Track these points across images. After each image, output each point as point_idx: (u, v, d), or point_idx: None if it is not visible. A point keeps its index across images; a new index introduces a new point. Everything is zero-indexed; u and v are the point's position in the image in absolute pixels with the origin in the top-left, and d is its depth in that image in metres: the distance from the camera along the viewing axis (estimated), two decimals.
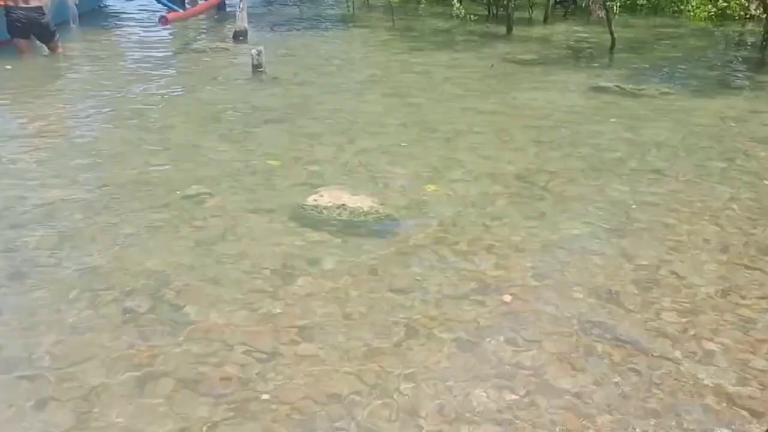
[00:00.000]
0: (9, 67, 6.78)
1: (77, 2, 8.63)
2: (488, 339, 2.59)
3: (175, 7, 8.44)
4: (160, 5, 8.79)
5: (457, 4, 10.26)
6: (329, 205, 3.65)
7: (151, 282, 2.92)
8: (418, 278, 3.04)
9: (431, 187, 4.08)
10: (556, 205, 3.87)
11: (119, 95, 6.04)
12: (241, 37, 8.48)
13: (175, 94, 6.29)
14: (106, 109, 5.58)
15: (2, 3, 6.97)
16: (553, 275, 3.08)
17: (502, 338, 2.60)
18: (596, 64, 8.17)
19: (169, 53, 8.08)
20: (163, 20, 7.67)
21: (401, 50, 8.61)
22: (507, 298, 2.88)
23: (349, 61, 7.99)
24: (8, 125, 5.13)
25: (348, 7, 11.85)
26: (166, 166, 4.27)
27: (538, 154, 4.75)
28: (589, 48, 9.16)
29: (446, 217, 3.67)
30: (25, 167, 4.20)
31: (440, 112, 5.74)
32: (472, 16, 10.16)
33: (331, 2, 13.36)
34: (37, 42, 7.27)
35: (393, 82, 6.82)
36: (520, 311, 2.79)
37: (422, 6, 11.84)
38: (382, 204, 3.74)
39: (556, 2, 12.10)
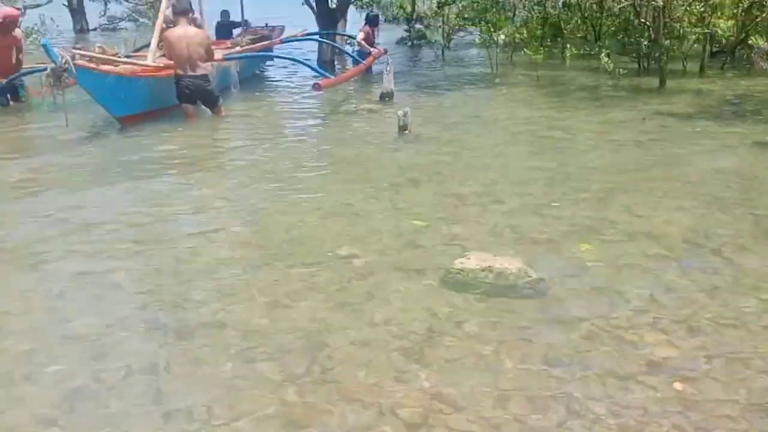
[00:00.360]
0: (180, 129, 7.38)
1: (239, 69, 9.28)
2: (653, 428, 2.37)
3: (327, 74, 8.87)
4: (312, 71, 9.26)
5: (605, 59, 10.01)
6: (475, 267, 3.57)
7: (304, 341, 2.97)
8: (574, 349, 2.87)
9: (584, 246, 3.91)
10: (728, 274, 3.55)
11: (273, 155, 6.38)
12: (387, 98, 8.73)
13: (326, 154, 6.54)
14: (262, 169, 5.89)
15: (173, 72, 7.63)
16: (732, 363, 2.77)
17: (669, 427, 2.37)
18: (761, 118, 7.58)
19: (319, 115, 8.48)
20: (316, 87, 8.06)
21: (546, 106, 8.49)
22: (678, 385, 2.62)
23: (493, 118, 7.97)
24: (173, 184, 5.52)
25: (491, 65, 11.91)
26: (318, 226, 4.40)
27: (703, 215, 4.42)
28: (752, 101, 8.55)
29: (601, 281, 3.48)
30: (189, 225, 4.48)
31: (589, 170, 5.55)
32: (621, 70, 9.85)
33: (474, 61, 13.51)
34: (202, 106, 7.84)
35: (538, 140, 6.70)
36: (691, 400, 2.53)
37: (568, 61, 11.66)
38: (530, 266, 3.60)
39: (713, 53, 11.49)
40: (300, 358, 2.85)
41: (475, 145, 6.52)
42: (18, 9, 9.71)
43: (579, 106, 8.41)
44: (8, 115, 8.30)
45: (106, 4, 23.65)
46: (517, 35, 11.97)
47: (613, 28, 13.82)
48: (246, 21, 12.68)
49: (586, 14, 14.45)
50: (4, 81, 8.29)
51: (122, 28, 21.30)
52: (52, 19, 15.00)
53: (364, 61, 10.92)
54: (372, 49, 11.44)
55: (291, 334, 3.05)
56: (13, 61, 8.36)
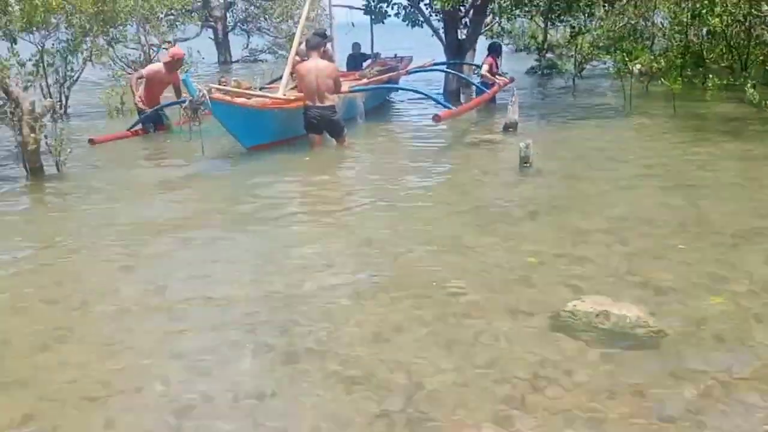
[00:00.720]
0: (307, 158, 7.64)
1: (364, 100, 9.51)
2: None
3: (448, 105, 8.88)
4: (434, 102, 9.30)
5: (751, 90, 9.32)
6: (590, 311, 3.38)
7: (404, 380, 2.93)
8: (693, 409, 2.63)
9: (716, 300, 3.60)
10: None
11: (389, 184, 6.43)
12: (510, 129, 8.59)
13: (443, 185, 6.51)
14: (377, 198, 5.95)
15: (302, 104, 7.94)
16: None
17: None
18: None
19: (440, 146, 8.47)
20: (436, 118, 8.09)
21: (682, 140, 8.00)
22: None
23: (622, 152, 7.62)
24: (290, 210, 5.68)
25: (624, 95, 11.43)
26: (429, 259, 4.36)
27: None
28: None
29: (727, 335, 3.19)
30: (305, 252, 4.58)
31: (726, 212, 5.13)
32: None
33: (607, 91, 13.05)
34: (328, 136, 8.07)
35: (671, 176, 6.30)
36: None
37: (710, 92, 10.97)
38: (652, 315, 3.36)
39: None
40: (398, 394, 2.81)
41: (601, 180, 6.25)
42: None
43: (719, 140, 7.85)
44: (152, 141, 8.98)
45: (248, 37, 25.19)
46: (655, 64, 11.43)
47: (761, 58, 12.91)
48: (376, 53, 13.00)
49: (731, 42, 13.60)
50: (149, 110, 9.02)
51: (262, 60, 22.54)
52: (198, 51, 16.09)
53: (488, 91, 10.84)
54: (497, 80, 11.33)
55: (391, 367, 3.02)
56: (176, 97, 9.19)
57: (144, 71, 9.38)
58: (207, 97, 6.99)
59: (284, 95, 8.38)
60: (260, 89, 9.52)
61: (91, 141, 8.56)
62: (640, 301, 3.53)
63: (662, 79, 10.69)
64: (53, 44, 10.96)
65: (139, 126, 9.22)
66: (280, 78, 9.98)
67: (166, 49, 18.22)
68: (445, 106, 8.72)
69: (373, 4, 12.28)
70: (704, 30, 13.65)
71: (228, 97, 7.58)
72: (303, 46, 8.95)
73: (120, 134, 9.12)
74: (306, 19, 20.41)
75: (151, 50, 18.39)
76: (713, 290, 3.70)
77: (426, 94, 9.81)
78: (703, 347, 3.11)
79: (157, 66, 9.49)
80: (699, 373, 2.89)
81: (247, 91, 8.55)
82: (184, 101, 7.20)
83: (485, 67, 11.53)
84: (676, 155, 7.22)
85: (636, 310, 3.39)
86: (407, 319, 3.51)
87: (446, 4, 11.43)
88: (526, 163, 6.56)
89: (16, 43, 9.55)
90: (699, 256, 4.23)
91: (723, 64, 13.93)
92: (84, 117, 11.42)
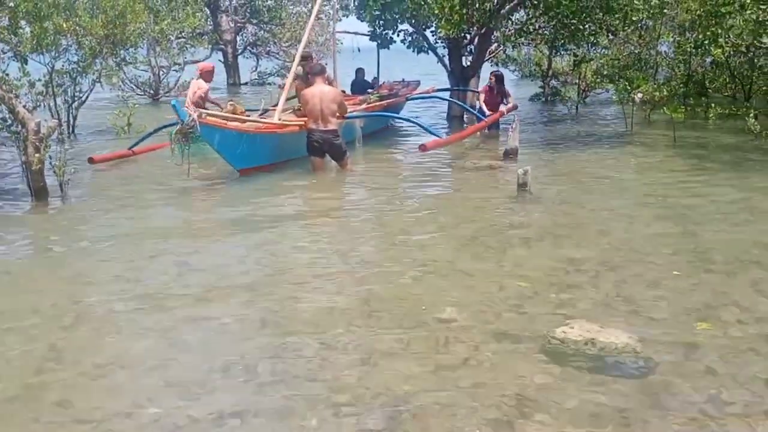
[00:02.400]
0: (314, 180, 7.71)
1: (362, 125, 9.62)
2: None
3: (437, 135, 9.02)
4: (428, 130, 9.42)
5: (752, 120, 9.39)
6: (578, 338, 3.40)
7: (390, 402, 2.95)
8: None
9: (702, 325, 3.63)
10: None
11: (387, 208, 6.48)
12: (511, 156, 8.65)
13: (440, 210, 6.53)
14: (374, 223, 6.01)
15: (297, 128, 8.07)
16: None
17: None
18: None
19: (440, 171, 8.53)
20: (422, 147, 8.21)
21: (682, 170, 8.04)
22: None
23: (620, 180, 7.67)
24: (286, 234, 5.73)
25: (627, 123, 11.51)
26: (421, 283, 4.39)
27: None
28: None
29: (715, 364, 3.20)
30: (298, 273, 4.63)
31: (722, 242, 5.15)
32: None
33: (609, 119, 13.14)
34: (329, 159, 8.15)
35: (668, 205, 6.33)
36: None
37: (711, 120, 11.02)
38: (640, 341, 3.39)
39: None
40: (383, 418, 2.83)
41: (598, 208, 6.29)
42: (212, 64, 11.09)
43: (718, 170, 7.89)
44: (152, 161, 9.03)
45: (257, 60, 25.47)
46: (657, 93, 11.51)
47: (765, 88, 12.99)
48: (375, 79, 13.09)
49: (735, 72, 13.70)
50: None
51: (270, 83, 22.75)
52: None
53: (485, 119, 10.94)
54: (501, 110, 11.43)
55: (378, 391, 3.04)
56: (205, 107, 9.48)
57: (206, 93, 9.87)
58: (197, 122, 7.10)
59: (279, 119, 8.52)
60: (264, 111, 9.66)
61: (91, 160, 8.68)
62: (629, 328, 3.55)
63: (664, 108, 10.77)
64: (63, 65, 11.13)
65: (140, 146, 9.34)
66: (289, 99, 10.18)
67: (176, 71, 18.58)
68: (434, 135, 8.87)
69: (378, 31, 12.43)
70: (708, 59, 13.75)
71: (218, 121, 7.75)
72: (299, 70, 9.19)
73: (120, 153, 9.25)
74: (313, 44, 20.65)
75: (161, 72, 18.69)
76: (704, 319, 3.72)
77: (416, 123, 10.02)
78: (692, 377, 3.12)
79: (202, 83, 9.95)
80: (687, 404, 2.90)
81: (240, 116, 8.78)
82: (172, 124, 7.29)
83: (482, 97, 11.67)
84: (674, 184, 7.25)
85: (624, 337, 3.42)
86: (396, 342, 3.53)
87: (451, 32, 11.56)
88: (524, 189, 6.60)
89: (26, 64, 9.69)
90: (692, 285, 4.25)
91: (726, 94, 14.03)
92: (91, 137, 11.55)
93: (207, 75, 10.07)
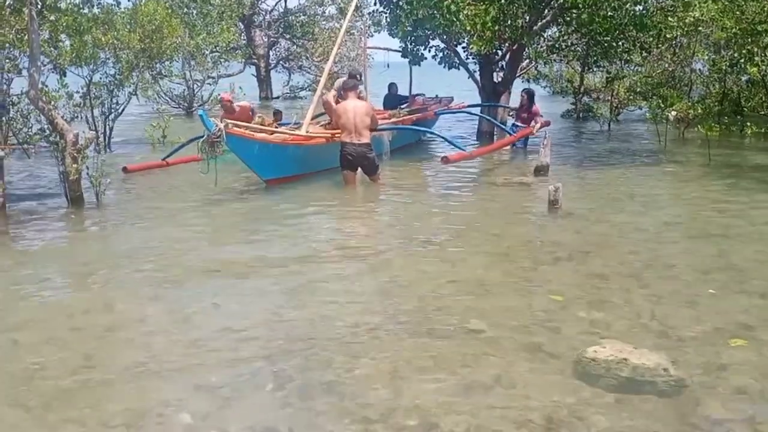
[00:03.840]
0: (346, 195, 7.78)
1: (391, 138, 9.68)
2: None
3: (462, 148, 9.07)
4: (454, 143, 9.48)
5: None
6: (610, 358, 3.35)
7: (419, 421, 2.94)
8: None
9: (736, 342, 3.57)
10: None
11: (421, 225, 6.48)
12: (542, 172, 8.61)
13: (470, 226, 6.51)
14: (407, 237, 6.01)
15: (338, 138, 8.12)
16: None
17: None
18: None
19: (470, 186, 8.52)
20: (444, 160, 8.29)
21: (716, 188, 7.93)
22: None
23: (653, 198, 7.57)
24: (325, 246, 5.77)
25: (660, 140, 11.39)
26: (450, 296, 4.39)
27: None
28: None
29: (751, 386, 3.14)
30: (330, 288, 4.65)
31: (756, 260, 5.07)
32: None
33: (642, 137, 13.01)
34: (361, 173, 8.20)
35: (701, 224, 6.25)
36: None
37: (746, 140, 10.85)
38: (672, 362, 3.33)
39: None
40: None
41: (629, 225, 6.22)
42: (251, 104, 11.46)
43: (753, 189, 7.75)
44: (184, 171, 9.14)
45: (289, 75, 25.78)
46: (691, 111, 11.39)
47: None
48: (408, 95, 13.15)
49: None
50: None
51: (301, 97, 23.00)
52: (240, 87, 16.51)
53: (513, 134, 10.95)
54: (534, 124, 11.40)
55: (407, 409, 3.03)
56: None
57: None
58: (223, 133, 7.20)
59: (307, 132, 8.62)
60: (296, 124, 9.77)
61: (125, 169, 8.86)
62: (661, 348, 3.50)
63: (698, 126, 10.64)
64: (100, 78, 11.39)
65: (173, 156, 9.49)
66: (320, 115, 10.31)
67: (210, 84, 18.88)
68: (459, 148, 8.92)
69: (410, 47, 12.50)
70: (744, 78, 13.57)
71: (245, 132, 7.87)
72: (338, 83, 9.29)
73: (153, 164, 9.42)
74: (345, 59, 20.82)
75: (195, 85, 19.01)
76: (736, 338, 3.65)
77: (440, 137, 10.21)
78: (724, 398, 3.07)
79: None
80: (717, 424, 2.85)
81: (267, 128, 8.96)
82: (201, 136, 7.41)
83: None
84: (709, 203, 7.16)
85: (656, 357, 3.36)
86: (426, 358, 3.52)
87: (483, 48, 11.58)
88: (555, 206, 6.57)
89: (65, 76, 9.94)
90: (724, 305, 4.18)
91: (762, 113, 13.81)
92: (126, 149, 11.78)
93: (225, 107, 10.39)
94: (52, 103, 7.67)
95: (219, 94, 13.11)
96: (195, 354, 3.63)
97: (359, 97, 8.44)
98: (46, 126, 7.32)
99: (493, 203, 7.49)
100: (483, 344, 3.68)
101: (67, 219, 6.77)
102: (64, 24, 9.59)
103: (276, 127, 9.33)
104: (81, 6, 9.69)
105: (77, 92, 10.60)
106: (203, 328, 3.97)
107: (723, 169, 9.13)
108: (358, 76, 8.98)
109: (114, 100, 11.65)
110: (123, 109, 12.14)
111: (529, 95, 11.75)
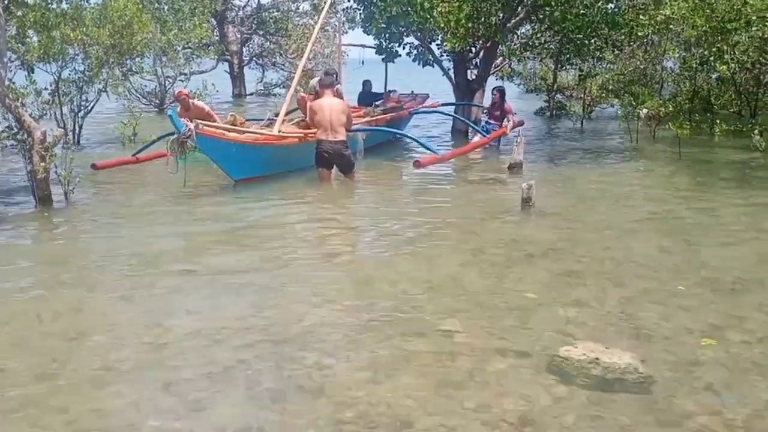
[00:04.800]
0: (320, 192, 7.75)
1: (365, 137, 9.65)
2: None
3: (434, 151, 9.10)
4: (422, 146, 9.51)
5: (757, 137, 9.37)
6: (582, 357, 3.37)
7: (392, 420, 2.93)
8: None
9: (706, 341, 3.61)
10: None
11: (395, 224, 6.45)
12: (515, 169, 8.65)
13: (444, 224, 6.50)
14: (381, 236, 6.00)
15: (311, 138, 8.08)
16: None
17: None
18: None
19: (444, 184, 8.53)
20: (416, 164, 8.32)
21: (686, 186, 8.03)
22: None
23: (625, 196, 7.65)
24: (298, 245, 5.73)
25: (631, 138, 11.51)
26: (424, 295, 4.38)
27: None
28: None
29: (718, 382, 3.18)
30: (303, 287, 4.60)
31: (726, 259, 5.13)
32: None
33: (614, 134, 13.14)
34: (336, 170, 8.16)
35: (672, 222, 6.32)
36: None
37: (717, 137, 10.99)
38: (642, 361, 3.36)
39: None
40: None
41: (602, 223, 6.27)
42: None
43: (723, 187, 7.87)
44: (154, 168, 8.98)
45: (263, 71, 25.58)
46: (662, 109, 11.51)
47: None
48: (383, 92, 13.12)
49: (740, 88, 13.69)
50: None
51: (276, 94, 22.84)
52: (213, 84, 16.33)
53: (486, 134, 11.00)
54: (504, 124, 11.45)
55: (380, 409, 3.02)
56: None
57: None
58: (193, 133, 7.13)
59: (279, 131, 8.55)
60: (269, 121, 9.70)
61: (94, 166, 8.71)
62: (632, 346, 3.53)
63: (669, 124, 10.76)
64: (69, 74, 11.18)
65: (144, 153, 9.36)
66: (293, 110, 10.23)
67: (182, 81, 18.67)
68: (431, 151, 8.94)
69: (384, 44, 12.46)
70: (714, 75, 13.76)
71: (215, 132, 7.80)
72: (314, 82, 9.22)
73: (123, 160, 9.28)
74: (319, 56, 20.71)
75: (167, 82, 18.77)
76: (708, 336, 3.70)
77: (413, 139, 10.23)
78: (693, 395, 3.10)
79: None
80: (688, 420, 2.88)
81: (239, 127, 8.84)
82: (172, 133, 7.32)
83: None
84: (678, 200, 7.25)
85: (627, 356, 3.38)
86: (400, 358, 3.51)
87: (457, 45, 11.59)
88: (528, 203, 6.59)
89: (33, 72, 9.75)
90: (695, 303, 4.23)
91: (731, 110, 14.01)
92: (96, 146, 11.58)
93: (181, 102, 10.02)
94: (20, 100, 7.49)
95: (175, 89, 12.92)
96: (165, 356, 3.58)
97: (336, 95, 8.37)
98: (13, 124, 7.15)
99: (467, 201, 7.50)
100: (456, 343, 3.68)
101: (34, 219, 6.63)
102: (32, 19, 9.42)
103: (248, 126, 9.24)
104: (49, 1, 9.50)
105: (46, 89, 10.40)
106: (174, 329, 3.91)
107: (694, 167, 9.26)
108: (333, 74, 8.91)
109: (83, 97, 11.45)
110: (93, 107, 11.93)
111: (501, 93, 11.79)
